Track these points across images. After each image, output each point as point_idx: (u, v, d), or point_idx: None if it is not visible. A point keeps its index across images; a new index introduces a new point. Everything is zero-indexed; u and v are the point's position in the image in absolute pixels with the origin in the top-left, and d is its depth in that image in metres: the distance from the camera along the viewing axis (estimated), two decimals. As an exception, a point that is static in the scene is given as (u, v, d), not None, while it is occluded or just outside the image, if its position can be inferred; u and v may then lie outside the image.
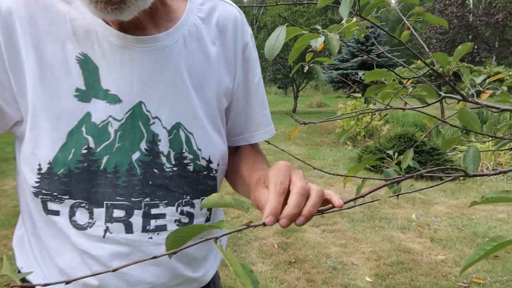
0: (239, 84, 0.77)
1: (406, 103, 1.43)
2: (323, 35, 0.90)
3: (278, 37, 0.77)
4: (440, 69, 0.97)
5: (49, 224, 0.66)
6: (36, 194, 0.64)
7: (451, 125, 1.03)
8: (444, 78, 1.10)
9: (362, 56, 11.67)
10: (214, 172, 0.73)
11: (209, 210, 0.73)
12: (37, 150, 0.62)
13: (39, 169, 0.62)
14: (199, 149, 0.70)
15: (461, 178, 4.03)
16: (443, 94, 1.26)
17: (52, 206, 0.64)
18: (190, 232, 0.55)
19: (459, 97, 1.16)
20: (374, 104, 9.54)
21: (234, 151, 0.82)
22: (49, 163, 0.62)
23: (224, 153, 0.75)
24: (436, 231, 3.53)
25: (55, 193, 0.63)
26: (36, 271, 0.69)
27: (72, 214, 0.64)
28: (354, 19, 0.96)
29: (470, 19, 16.63)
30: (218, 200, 0.61)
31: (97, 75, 0.63)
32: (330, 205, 0.57)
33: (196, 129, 0.69)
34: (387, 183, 0.66)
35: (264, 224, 0.53)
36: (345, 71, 12.31)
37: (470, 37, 17.11)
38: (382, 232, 3.51)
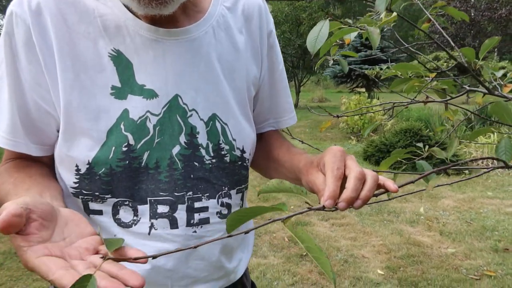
0: (265, 72, 0.78)
1: (427, 97, 1.45)
2: (362, 29, 0.91)
3: (321, 30, 0.78)
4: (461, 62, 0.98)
5: (92, 223, 0.65)
6: (76, 195, 0.64)
7: (481, 116, 1.05)
8: (471, 72, 1.11)
9: (366, 51, 11.66)
10: (247, 161, 0.74)
11: (242, 199, 0.74)
12: (73, 152, 0.61)
13: (77, 170, 0.62)
14: (234, 140, 0.70)
15: (467, 172, 4.01)
16: (467, 88, 1.27)
17: (94, 206, 0.64)
18: (251, 213, 0.57)
19: (484, 90, 1.17)
20: (378, 99, 9.56)
21: (260, 138, 0.83)
22: (88, 163, 0.61)
23: (254, 142, 0.76)
24: (445, 224, 3.56)
25: (96, 193, 0.62)
26: None
27: (115, 212, 0.63)
28: (394, 13, 0.97)
29: (472, 14, 16.58)
30: (277, 186, 0.63)
31: (131, 70, 0.62)
32: (383, 190, 0.60)
33: (230, 120, 0.70)
34: (426, 174, 0.68)
35: (323, 208, 0.55)
36: (348, 66, 12.25)
37: (472, 32, 17.07)
38: (391, 226, 3.54)
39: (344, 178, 0.56)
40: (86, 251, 0.44)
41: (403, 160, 1.12)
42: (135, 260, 0.41)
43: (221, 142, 0.68)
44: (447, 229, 3.45)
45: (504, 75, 1.22)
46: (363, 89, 9.19)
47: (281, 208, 0.53)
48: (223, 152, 0.68)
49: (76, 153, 0.61)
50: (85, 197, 0.63)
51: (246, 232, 0.49)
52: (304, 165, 0.65)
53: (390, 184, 0.56)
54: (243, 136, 0.72)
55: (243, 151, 0.72)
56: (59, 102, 0.60)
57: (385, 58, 11.43)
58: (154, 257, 0.41)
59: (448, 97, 1.32)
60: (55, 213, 0.45)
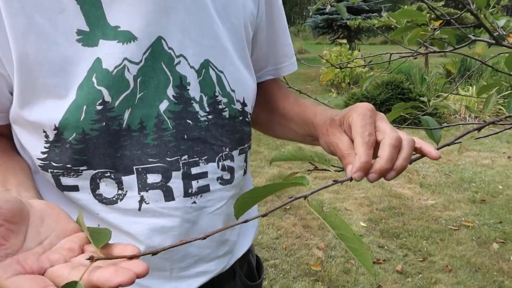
0: (262, 8, 0.66)
1: (427, 47, 1.37)
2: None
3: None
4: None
5: (67, 202, 0.54)
6: (44, 168, 0.51)
7: (494, 69, 0.98)
8: (480, 21, 1.03)
9: (348, 1, 11.35)
10: (249, 116, 0.62)
11: (245, 161, 0.64)
12: (35, 116, 0.48)
13: (46, 136, 0.49)
14: (233, 90, 0.59)
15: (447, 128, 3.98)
16: (472, 38, 1.19)
17: (67, 181, 0.52)
18: (266, 191, 0.49)
19: (490, 40, 1.10)
20: (359, 50, 9.43)
21: (259, 88, 0.71)
22: (56, 128, 0.48)
23: (255, 92, 0.64)
24: (425, 177, 3.62)
25: (68, 165, 0.50)
26: None
27: (95, 187, 0.52)
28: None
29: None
30: (295, 154, 0.54)
31: (100, 9, 0.49)
32: (419, 155, 0.53)
33: (227, 66, 0.58)
34: (470, 131, 0.61)
35: (351, 179, 0.48)
36: (330, 16, 11.99)
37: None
38: (373, 179, 3.57)
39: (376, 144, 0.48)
40: (70, 252, 0.35)
41: (405, 115, 1.06)
42: (130, 259, 0.33)
43: (217, 94, 0.57)
44: (426, 181, 3.51)
45: (507, 25, 1.15)
46: (345, 40, 9.02)
47: (301, 182, 0.45)
48: (220, 106, 0.57)
49: (39, 117, 0.48)
50: (55, 170, 0.51)
51: (264, 216, 0.41)
52: (322, 122, 0.56)
53: (431, 150, 0.48)
54: (243, 86, 0.60)
55: (244, 104, 0.61)
56: (9, 56, 0.46)
57: (367, 8, 11.14)
58: (154, 253, 0.33)
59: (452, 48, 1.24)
60: (25, 211, 0.35)
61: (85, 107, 0.48)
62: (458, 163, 3.95)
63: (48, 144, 0.50)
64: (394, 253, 2.48)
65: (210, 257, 0.61)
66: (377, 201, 3.15)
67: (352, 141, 0.49)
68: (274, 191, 0.48)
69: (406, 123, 1.06)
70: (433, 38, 1.24)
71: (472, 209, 3.01)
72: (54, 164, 0.51)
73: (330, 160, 0.52)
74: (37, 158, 0.51)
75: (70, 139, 0.49)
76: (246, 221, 0.38)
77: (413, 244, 2.56)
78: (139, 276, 0.31)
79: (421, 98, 1.05)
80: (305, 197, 0.42)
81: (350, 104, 6.00)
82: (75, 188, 0.52)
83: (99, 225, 0.54)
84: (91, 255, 0.32)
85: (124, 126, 0.51)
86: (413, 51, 1.14)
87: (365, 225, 2.82)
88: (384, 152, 0.45)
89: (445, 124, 0.94)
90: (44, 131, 0.49)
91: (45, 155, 0.51)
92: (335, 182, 0.47)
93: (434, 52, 1.30)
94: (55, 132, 0.48)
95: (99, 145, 0.50)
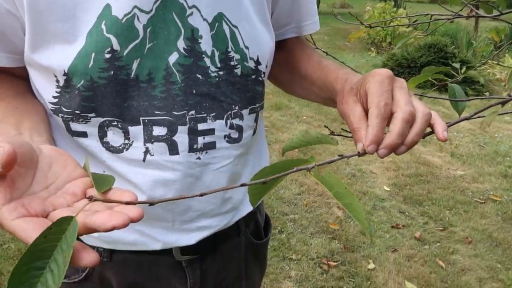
0: None
1: (471, 10, 1.28)
2: None
3: None
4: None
5: (77, 148, 0.55)
6: (55, 112, 0.53)
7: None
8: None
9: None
10: (262, 75, 0.61)
11: (256, 121, 0.63)
12: (46, 60, 0.49)
13: (57, 81, 0.50)
14: (246, 47, 0.57)
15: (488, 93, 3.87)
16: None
17: (76, 126, 0.53)
18: (275, 170, 0.49)
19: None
20: (405, 8, 8.91)
21: (280, 47, 0.70)
22: (65, 73, 0.49)
23: (272, 51, 0.62)
24: (457, 146, 3.51)
25: (77, 111, 0.51)
26: None
27: (103, 134, 0.53)
28: None
29: None
30: (302, 139, 0.53)
31: None
32: (431, 130, 0.51)
33: (242, 22, 0.56)
34: (492, 105, 0.59)
35: (359, 154, 0.47)
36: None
37: None
38: (402, 144, 3.50)
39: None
40: (73, 196, 0.36)
41: (433, 80, 1.01)
42: (127, 203, 0.34)
43: (230, 50, 0.55)
44: (458, 151, 3.41)
45: None
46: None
47: (308, 160, 0.45)
48: (232, 63, 0.55)
49: (49, 61, 0.49)
50: (65, 115, 0.52)
51: (264, 183, 0.41)
52: (341, 88, 0.54)
53: (439, 131, 0.46)
54: (259, 43, 0.58)
55: (257, 62, 0.59)
56: (21, 0, 0.47)
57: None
58: (151, 203, 0.34)
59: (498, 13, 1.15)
60: (35, 156, 0.37)
61: (93, 54, 0.48)
62: (495, 135, 3.79)
63: (59, 89, 0.51)
64: (414, 220, 2.47)
65: (213, 213, 0.62)
66: (404, 167, 3.11)
67: (366, 111, 0.47)
68: (285, 169, 0.48)
69: (433, 89, 1.02)
70: (480, 1, 1.16)
71: (502, 183, 2.92)
72: (64, 110, 0.52)
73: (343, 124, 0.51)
74: (49, 102, 0.52)
75: (79, 85, 0.49)
76: (244, 185, 0.39)
77: (435, 213, 2.55)
78: (133, 221, 0.32)
79: (453, 64, 1.00)
80: (308, 169, 0.42)
81: (389, 65, 5.77)
82: (84, 134, 0.53)
83: (104, 171, 0.56)
84: (90, 195, 0.34)
85: (132, 76, 0.50)
86: (454, 14, 1.07)
87: (389, 189, 2.81)
88: (395, 127, 0.44)
89: (471, 97, 0.90)
90: (55, 76, 0.50)
91: (56, 100, 0.52)
92: (341, 157, 0.46)
93: (477, 16, 1.22)
94: (65, 77, 0.49)
95: (107, 93, 0.50)
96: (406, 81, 0.52)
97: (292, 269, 2.02)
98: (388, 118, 0.45)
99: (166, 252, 0.62)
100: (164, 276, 0.64)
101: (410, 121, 0.45)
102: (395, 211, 2.55)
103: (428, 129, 0.50)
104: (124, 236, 0.59)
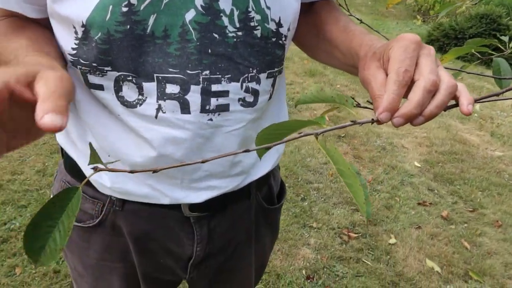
0: None
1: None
2: None
3: None
4: None
5: (94, 100, 0.56)
6: (74, 64, 0.53)
7: None
8: None
9: None
10: (283, 38, 0.58)
11: (273, 85, 0.61)
12: (65, 10, 0.49)
13: (75, 32, 0.49)
14: (268, 8, 0.54)
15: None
16: None
17: (93, 79, 0.53)
18: (284, 129, 0.47)
19: None
20: (459, -26, 8.31)
21: (307, 9, 0.67)
22: (83, 25, 0.48)
23: (296, 13, 0.59)
24: (499, 126, 3.34)
25: (94, 64, 0.51)
26: (69, 146, 0.63)
27: (118, 88, 0.53)
28: None
29: None
30: (316, 95, 0.51)
31: None
32: (454, 102, 0.47)
33: None
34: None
35: (373, 121, 0.44)
36: None
37: None
38: (439, 119, 3.36)
39: (411, 83, 0.43)
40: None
41: (476, 53, 0.93)
42: (130, 172, 0.35)
43: (250, 9, 0.52)
44: (499, 131, 3.24)
45: None
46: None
47: (318, 122, 0.43)
48: (252, 24, 0.53)
49: (68, 11, 0.49)
50: (83, 67, 0.52)
51: (268, 148, 0.40)
52: (364, 54, 0.51)
53: (464, 103, 0.42)
54: (282, 4, 0.55)
55: (279, 25, 0.56)
56: None
57: None
58: (155, 170, 0.34)
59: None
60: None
61: (111, 7, 0.47)
62: (542, 116, 3.57)
63: (77, 41, 0.51)
64: (443, 198, 2.41)
65: (222, 175, 0.62)
66: (438, 143, 3.00)
67: None
68: (293, 130, 0.46)
69: (474, 63, 0.94)
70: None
71: (543, 168, 2.77)
72: (82, 61, 0.52)
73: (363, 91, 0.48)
74: (68, 54, 0.53)
75: (96, 38, 0.49)
76: (247, 151, 0.38)
77: (466, 193, 2.46)
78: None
79: (502, 37, 0.92)
80: (316, 134, 0.40)
81: (435, 35, 5.46)
82: (101, 87, 0.54)
83: (109, 156, 0.58)
84: (95, 166, 0.34)
85: (148, 31, 0.49)
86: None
87: (419, 165, 2.73)
88: (415, 95, 0.41)
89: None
90: (74, 27, 0.49)
91: (75, 51, 0.52)
92: (354, 122, 0.44)
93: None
94: (83, 29, 0.49)
95: (123, 48, 0.50)
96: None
97: (311, 237, 2.03)
98: (407, 85, 0.42)
99: (175, 207, 0.63)
100: (172, 229, 0.65)
101: (432, 92, 0.42)
102: (423, 188, 2.49)
103: (452, 102, 0.47)
104: (136, 189, 0.60)
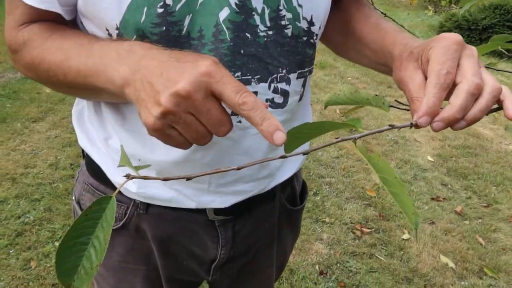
0: None
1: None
2: None
3: None
4: None
5: (122, 103, 0.55)
6: None
7: None
8: None
9: None
10: (314, 37, 0.56)
11: (303, 86, 0.59)
12: (99, 12, 0.47)
13: (109, 34, 0.48)
14: (300, 6, 0.52)
15: None
16: None
17: None
18: (317, 130, 0.46)
19: None
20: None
21: (336, 6, 0.65)
22: (117, 28, 0.47)
23: (327, 11, 0.57)
24: (513, 119, 3.29)
25: None
26: (92, 149, 0.61)
27: None
28: None
29: None
30: (350, 97, 0.49)
31: None
32: (497, 106, 0.45)
33: None
34: None
35: (411, 125, 0.43)
36: None
37: None
38: (452, 113, 3.32)
39: (453, 85, 0.41)
40: None
41: (503, 50, 0.91)
42: (164, 179, 0.33)
43: (281, 7, 0.50)
44: (514, 125, 3.19)
45: None
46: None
47: (354, 125, 0.41)
48: (283, 22, 0.51)
49: (102, 14, 0.47)
50: None
51: (305, 154, 0.39)
52: (399, 53, 0.49)
53: (509, 105, 0.41)
54: (313, 2, 0.53)
55: (311, 23, 0.54)
56: None
57: None
58: (188, 178, 0.33)
59: None
60: None
61: (145, 8, 0.46)
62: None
63: None
64: (457, 194, 2.38)
65: (250, 178, 0.60)
66: (451, 137, 2.96)
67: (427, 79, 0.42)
68: (327, 131, 0.45)
69: (503, 59, 0.92)
70: None
71: (559, 163, 2.73)
72: None
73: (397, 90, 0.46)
74: None
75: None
76: (284, 157, 0.36)
77: (481, 188, 2.43)
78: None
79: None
80: (354, 139, 0.38)
81: (447, 26, 5.37)
82: None
83: (139, 160, 0.56)
84: (127, 173, 0.33)
85: (183, 33, 0.47)
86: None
87: (432, 160, 2.70)
88: (457, 99, 0.40)
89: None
90: (107, 30, 0.48)
91: None
92: (392, 127, 0.42)
93: None
94: (117, 32, 0.47)
95: None
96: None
97: (324, 232, 2.02)
98: (448, 89, 0.41)
99: (200, 211, 0.62)
100: (197, 233, 0.64)
101: (475, 95, 0.40)
102: (436, 183, 2.46)
103: (495, 105, 0.45)
104: (161, 193, 0.59)
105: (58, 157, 2.48)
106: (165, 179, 0.33)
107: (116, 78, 0.41)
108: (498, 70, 0.79)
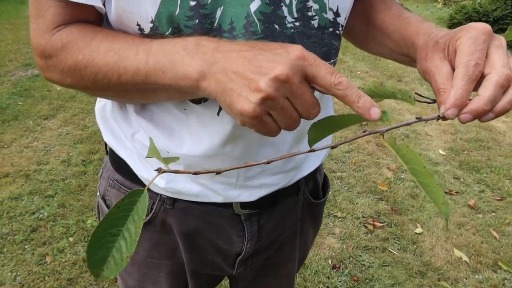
0: None
1: None
2: None
3: None
4: None
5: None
6: None
7: None
8: None
9: None
10: (340, 28, 0.55)
11: None
12: (133, 7, 0.46)
13: (140, 29, 0.47)
14: None
15: None
16: None
17: None
18: (340, 123, 0.46)
19: None
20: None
21: None
22: (152, 21, 0.46)
23: (352, 1, 0.56)
24: (526, 112, 3.25)
25: None
26: (118, 145, 0.61)
27: None
28: None
29: None
30: (374, 90, 0.48)
31: None
32: None
33: None
34: None
35: (438, 118, 0.42)
36: None
37: None
38: (464, 106, 3.28)
39: (481, 77, 0.41)
40: None
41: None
42: (194, 173, 0.33)
43: None
44: (527, 117, 3.15)
45: None
46: None
47: (381, 118, 0.41)
48: (310, 13, 0.50)
49: (136, 8, 0.46)
50: None
51: (333, 147, 0.39)
52: (424, 43, 0.48)
53: None
54: None
55: (337, 14, 0.53)
56: None
57: None
58: (218, 172, 0.33)
59: None
60: None
61: (179, 1, 0.45)
62: None
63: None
64: (469, 187, 2.36)
65: (276, 171, 0.60)
66: (463, 130, 2.93)
67: (454, 71, 0.42)
68: (350, 124, 0.44)
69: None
70: None
71: None
72: None
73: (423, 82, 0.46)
74: None
75: (167, 33, 0.47)
76: (312, 151, 0.36)
77: (494, 181, 2.41)
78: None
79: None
80: (381, 132, 0.38)
81: (457, 18, 5.31)
82: None
83: (168, 152, 0.56)
84: (158, 167, 0.33)
85: (215, 25, 0.47)
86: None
87: (444, 153, 2.68)
88: (486, 91, 0.39)
89: None
90: (138, 24, 0.47)
91: None
92: (419, 119, 0.42)
93: None
94: (151, 25, 0.46)
95: None
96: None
97: (336, 226, 2.02)
98: (476, 80, 0.40)
99: (227, 205, 0.62)
100: (222, 227, 0.64)
101: (504, 86, 0.40)
102: (449, 177, 2.44)
103: None
104: (188, 188, 0.59)
105: (70, 154, 2.50)
106: (195, 173, 0.33)
107: (190, 72, 0.40)
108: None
